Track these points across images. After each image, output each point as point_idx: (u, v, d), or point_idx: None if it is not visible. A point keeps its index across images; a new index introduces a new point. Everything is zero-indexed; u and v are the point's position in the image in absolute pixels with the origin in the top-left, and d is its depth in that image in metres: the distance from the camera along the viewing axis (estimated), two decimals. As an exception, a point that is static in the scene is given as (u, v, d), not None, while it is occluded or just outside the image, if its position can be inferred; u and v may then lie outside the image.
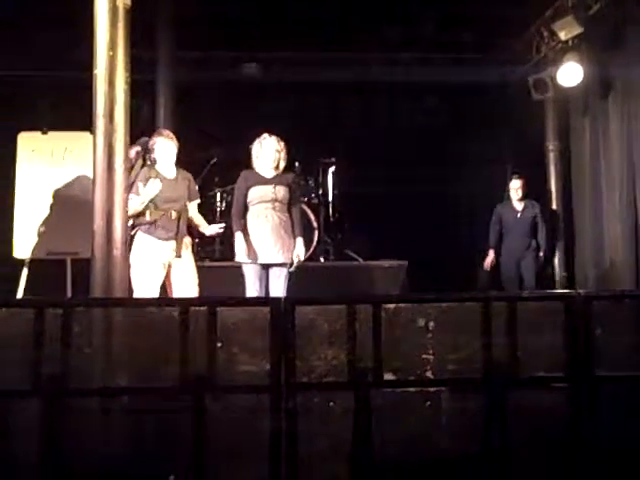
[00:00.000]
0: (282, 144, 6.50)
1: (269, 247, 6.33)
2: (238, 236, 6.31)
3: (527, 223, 8.77)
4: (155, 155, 6.29)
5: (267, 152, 6.46)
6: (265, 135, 6.52)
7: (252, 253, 6.31)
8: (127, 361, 3.88)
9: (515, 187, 8.80)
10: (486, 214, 9.23)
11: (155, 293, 6.03)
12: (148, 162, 6.38)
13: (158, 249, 6.09)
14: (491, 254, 8.79)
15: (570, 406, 3.92)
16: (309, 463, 3.76)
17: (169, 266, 6.14)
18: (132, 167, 6.42)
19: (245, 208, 6.43)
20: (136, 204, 6.04)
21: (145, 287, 6.01)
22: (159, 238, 6.10)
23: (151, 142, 6.32)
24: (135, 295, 5.95)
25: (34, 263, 7.59)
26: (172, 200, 6.19)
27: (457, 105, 9.66)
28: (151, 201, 6.11)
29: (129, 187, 6.13)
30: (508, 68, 9.43)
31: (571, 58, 8.44)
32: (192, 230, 6.48)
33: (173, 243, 6.12)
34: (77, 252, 7.52)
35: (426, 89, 9.56)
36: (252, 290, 6.29)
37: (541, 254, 8.81)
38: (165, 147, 6.29)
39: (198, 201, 6.48)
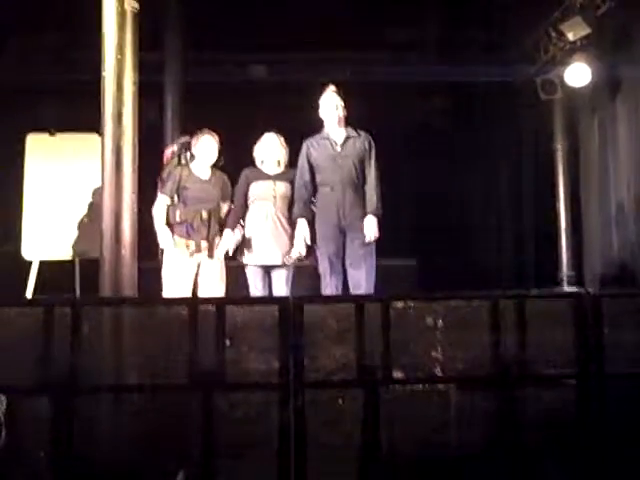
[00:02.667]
0: (282, 140, 6.39)
1: (268, 248, 6.17)
2: (228, 234, 6.16)
3: (352, 163, 5.97)
4: (194, 153, 6.28)
5: (267, 148, 6.37)
6: (265, 133, 6.49)
7: (253, 253, 6.21)
8: (136, 359, 3.89)
9: (329, 102, 6.06)
10: (495, 215, 9.21)
11: (186, 292, 6.04)
12: (182, 161, 6.36)
13: (186, 249, 6.10)
14: (302, 225, 5.96)
15: (579, 404, 3.92)
16: (318, 461, 3.76)
17: (198, 265, 6.14)
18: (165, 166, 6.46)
19: (245, 207, 6.29)
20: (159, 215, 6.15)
21: (175, 286, 6.04)
22: (189, 237, 6.10)
23: (193, 141, 6.30)
24: (165, 294, 6.01)
25: (43, 263, 7.61)
26: (203, 200, 6.16)
27: (465, 105, 9.65)
28: (182, 201, 6.14)
29: (160, 186, 6.21)
30: (516, 68, 9.40)
31: (579, 59, 8.43)
32: None
33: (203, 243, 6.12)
34: (85, 252, 7.55)
35: (433, 89, 9.55)
36: (255, 291, 6.25)
37: (369, 222, 5.91)
38: (205, 145, 6.26)
39: (228, 203, 6.32)
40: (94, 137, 6.63)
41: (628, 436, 3.89)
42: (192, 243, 6.09)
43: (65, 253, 7.71)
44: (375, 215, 5.94)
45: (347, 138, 6.08)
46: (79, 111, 7.78)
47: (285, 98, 9.15)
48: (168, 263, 6.11)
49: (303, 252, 6.05)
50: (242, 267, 6.33)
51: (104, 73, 5.46)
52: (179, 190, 6.15)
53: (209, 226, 6.13)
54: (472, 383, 3.96)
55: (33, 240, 7.71)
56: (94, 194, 7.18)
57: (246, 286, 6.29)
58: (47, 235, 7.69)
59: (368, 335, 3.90)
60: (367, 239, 5.89)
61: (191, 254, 6.08)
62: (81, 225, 7.67)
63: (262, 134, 6.51)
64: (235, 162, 6.58)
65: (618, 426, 3.88)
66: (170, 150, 6.53)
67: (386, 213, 6.04)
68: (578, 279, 9.02)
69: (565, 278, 9.19)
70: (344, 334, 3.93)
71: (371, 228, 5.91)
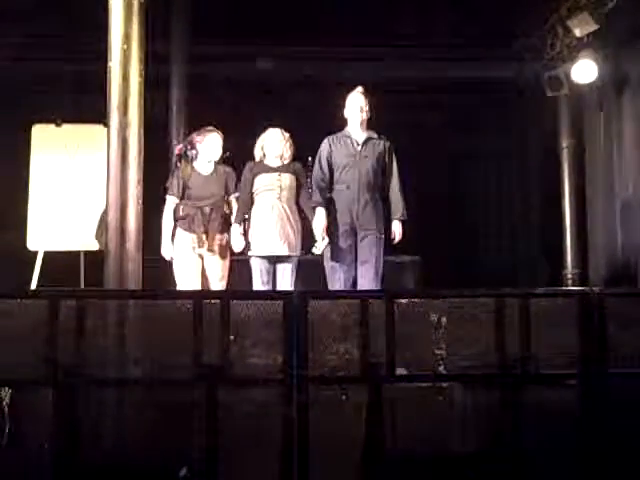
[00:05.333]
0: (286, 135, 6.41)
1: (274, 239, 6.15)
2: (235, 228, 6.22)
3: (371, 165, 6.08)
4: (199, 149, 6.26)
5: (271, 143, 6.37)
6: (269, 128, 6.49)
7: (259, 245, 6.21)
8: (141, 353, 3.90)
9: (354, 103, 6.17)
10: (500, 212, 9.19)
11: (195, 285, 6.10)
12: (187, 158, 6.32)
13: (190, 242, 6.13)
14: (321, 214, 6.05)
15: (583, 403, 3.92)
16: (321, 456, 3.77)
17: (202, 259, 6.17)
18: (174, 165, 6.50)
19: (250, 199, 6.30)
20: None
21: (184, 279, 6.11)
22: (191, 231, 6.14)
23: (196, 138, 6.28)
24: (178, 287, 6.07)
25: (48, 255, 7.61)
26: (204, 197, 6.19)
27: (471, 102, 9.62)
28: (186, 198, 6.18)
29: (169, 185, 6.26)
30: (522, 65, 9.38)
31: (586, 55, 8.40)
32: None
33: (204, 236, 6.15)
34: (91, 244, 7.56)
35: (440, 85, 9.52)
36: (259, 284, 6.25)
37: (396, 228, 6.17)
38: (211, 142, 6.25)
39: (235, 195, 6.31)
40: (100, 128, 6.64)
41: (630, 436, 3.89)
42: (194, 237, 6.11)
43: (70, 244, 7.72)
44: (401, 221, 6.16)
45: (368, 139, 6.18)
46: (85, 102, 7.79)
47: (292, 93, 9.13)
48: (176, 258, 6.16)
49: (326, 239, 6.08)
50: (246, 261, 6.33)
51: (110, 63, 5.46)
52: (184, 188, 6.17)
53: (209, 221, 6.15)
54: (476, 381, 3.96)
55: (38, 231, 7.71)
56: (100, 186, 7.16)
57: (250, 281, 6.29)
58: (52, 226, 7.69)
59: (372, 331, 3.90)
60: (396, 241, 6.16)
61: (192, 248, 6.12)
62: (87, 217, 7.67)
63: (266, 128, 6.52)
64: (241, 156, 6.58)
65: (621, 426, 3.88)
66: (177, 148, 6.55)
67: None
68: (583, 277, 9.01)
69: (570, 276, 9.18)
70: (348, 330, 3.94)
71: (398, 234, 6.16)
